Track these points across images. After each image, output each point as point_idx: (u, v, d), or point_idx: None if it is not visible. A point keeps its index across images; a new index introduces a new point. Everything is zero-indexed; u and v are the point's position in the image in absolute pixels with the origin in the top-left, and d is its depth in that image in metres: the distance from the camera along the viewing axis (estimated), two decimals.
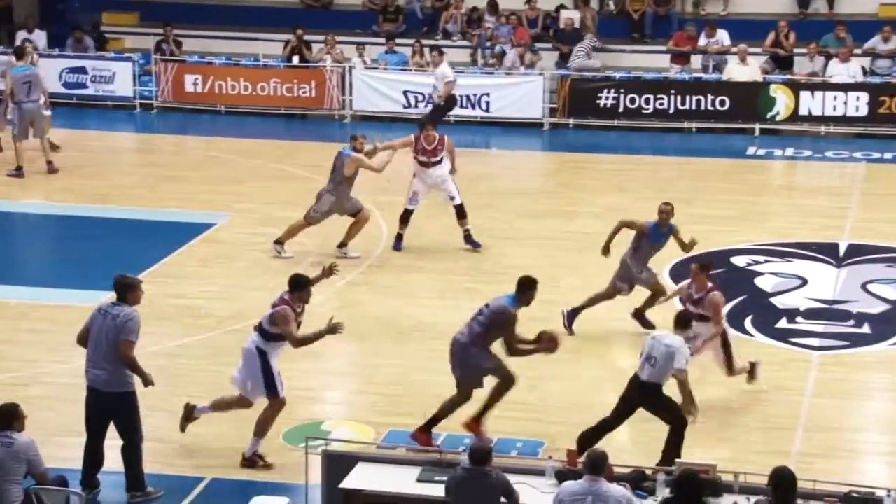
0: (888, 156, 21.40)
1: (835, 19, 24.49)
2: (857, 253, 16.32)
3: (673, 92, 23.15)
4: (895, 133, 22.32)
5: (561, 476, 9.25)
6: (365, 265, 15.95)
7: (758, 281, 15.43)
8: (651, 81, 23.49)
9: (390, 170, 16.39)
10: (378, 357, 13.17)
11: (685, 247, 13.90)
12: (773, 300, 14.83)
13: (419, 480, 9.46)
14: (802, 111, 22.72)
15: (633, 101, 23.24)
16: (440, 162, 16.42)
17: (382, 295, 15.02)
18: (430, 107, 22.27)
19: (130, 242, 16.88)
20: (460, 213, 16.50)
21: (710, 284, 12.07)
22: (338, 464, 9.70)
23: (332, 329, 10.79)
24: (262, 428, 10.86)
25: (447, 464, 9.50)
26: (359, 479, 9.54)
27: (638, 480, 9.26)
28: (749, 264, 16.05)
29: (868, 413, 12.38)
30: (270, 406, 10.84)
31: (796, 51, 23.79)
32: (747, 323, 14.12)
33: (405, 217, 16.53)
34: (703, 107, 23.02)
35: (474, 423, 11.03)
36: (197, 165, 21.08)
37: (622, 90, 23.26)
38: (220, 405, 11.13)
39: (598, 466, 8.49)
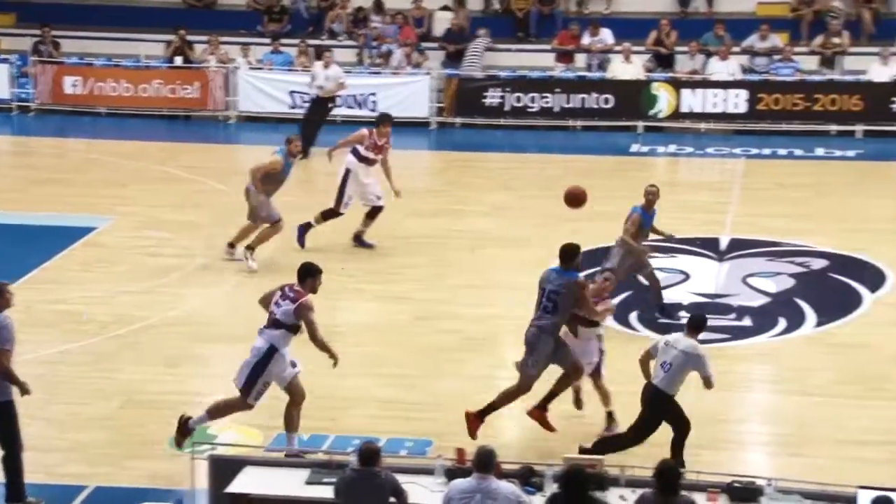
0: (766, 151, 21.83)
1: (714, 18, 24.91)
2: (738, 247, 16.62)
3: (558, 90, 23.37)
4: (773, 129, 22.79)
5: (450, 474, 9.26)
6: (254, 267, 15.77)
7: (641, 276, 15.57)
8: (536, 80, 23.68)
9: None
10: None
11: (660, 232, 14.25)
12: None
13: (308, 483, 9.40)
14: (684, 108, 23.08)
15: (518, 99, 23.41)
16: (376, 163, 16.30)
17: None
18: (308, 105, 22.16)
19: (8, 248, 16.46)
20: (374, 214, 16.39)
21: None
22: (224, 468, 9.59)
23: (335, 356, 10.68)
24: (217, 410, 10.69)
25: (336, 465, 9.44)
26: (246, 482, 9.44)
27: (527, 476, 9.31)
28: None
29: (750, 404, 12.61)
30: (238, 401, 10.63)
31: (677, 49, 24.17)
32: (632, 318, 14.28)
33: (330, 216, 16.28)
34: (587, 105, 23.28)
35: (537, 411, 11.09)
36: (78, 168, 20.68)
37: (508, 89, 23.42)
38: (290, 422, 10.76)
39: (487, 464, 8.50)
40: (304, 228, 16.31)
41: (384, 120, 16.43)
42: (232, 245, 15.95)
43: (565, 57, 24.56)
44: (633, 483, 9.12)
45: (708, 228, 17.41)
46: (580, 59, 24.59)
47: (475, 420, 10.99)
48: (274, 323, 10.63)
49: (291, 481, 9.42)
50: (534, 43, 25.36)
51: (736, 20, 24.74)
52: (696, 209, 18.50)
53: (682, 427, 10.47)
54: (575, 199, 12.31)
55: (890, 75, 22.77)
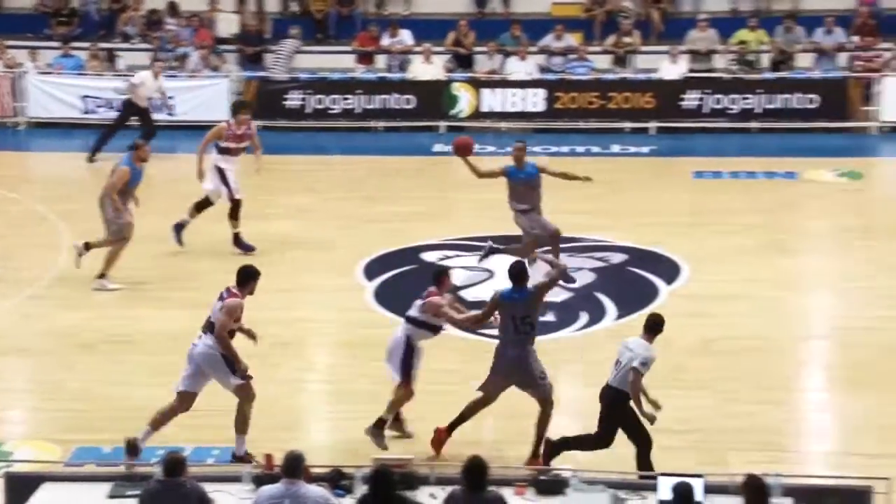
0: (565, 149, 22.23)
1: (511, 18, 25.29)
2: (540, 244, 16.84)
3: (359, 92, 23.38)
4: (570, 127, 23.25)
5: (258, 481, 9.15)
6: (49, 277, 15.26)
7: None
8: (337, 82, 23.63)
9: None
10: (62, 372, 12.63)
11: (569, 176, 14.85)
12: (464, 293, 15.13)
13: (111, 496, 9.16)
14: (484, 108, 23.37)
15: (320, 101, 23.33)
16: (243, 151, 16.17)
17: (66, 308, 14.43)
18: (121, 110, 21.64)
19: None
20: (203, 208, 16.30)
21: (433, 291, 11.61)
22: (21, 485, 9.25)
23: (245, 369, 10.65)
24: (242, 424, 10.63)
25: (140, 477, 9.22)
26: (44, 499, 9.12)
27: (336, 479, 9.26)
28: (440, 259, 16.34)
29: (554, 398, 12.76)
30: (240, 398, 10.61)
31: (476, 49, 24.45)
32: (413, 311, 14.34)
33: (236, 210, 16.22)
34: (389, 106, 23.36)
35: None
36: None
37: (309, 91, 23.32)
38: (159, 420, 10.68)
39: (295, 468, 8.44)
40: (237, 240, 16.29)
41: (240, 108, 16.51)
42: (90, 246, 15.18)
43: (366, 58, 24.58)
44: (442, 481, 9.15)
45: (511, 226, 17.60)
46: (381, 61, 24.64)
47: (544, 453, 10.73)
48: (210, 327, 10.66)
49: (93, 496, 9.15)
50: (333, 44, 25.30)
51: (532, 20, 25.18)
52: (499, 207, 18.67)
53: (640, 439, 10.32)
54: (464, 147, 13.40)
55: (679, 73, 23.52)
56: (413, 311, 11.16)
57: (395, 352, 11.06)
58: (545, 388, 10.88)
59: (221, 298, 10.64)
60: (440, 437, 10.87)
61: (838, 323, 14.45)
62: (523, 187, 14.69)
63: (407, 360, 11.00)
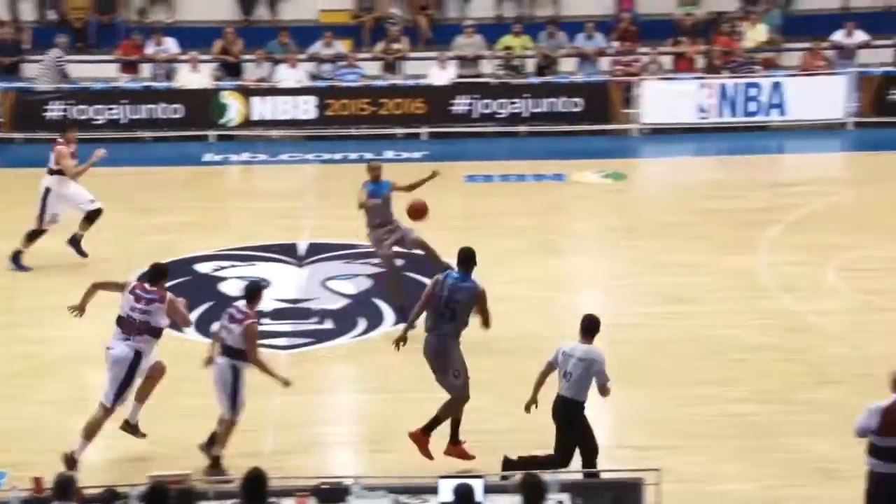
0: (337, 156, 22.24)
1: (278, 25, 25.11)
2: (317, 251, 16.84)
3: (124, 101, 22.82)
4: (342, 134, 23.26)
5: None
6: None
7: (222, 286, 15.50)
8: (100, 92, 23.01)
9: None
10: None
11: (417, 184, 14.67)
12: (240, 304, 14.93)
13: None
14: (254, 116, 23.13)
15: (83, 112, 22.65)
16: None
17: None
18: None
19: None
20: (94, 217, 16.15)
21: (248, 311, 11.20)
22: None
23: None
24: (91, 432, 10.76)
25: None
26: None
27: (110, 499, 9.04)
28: (214, 270, 16.12)
29: (335, 405, 12.78)
30: (104, 415, 10.83)
31: (244, 57, 24.19)
32: (214, 329, 14.08)
33: (34, 237, 15.91)
34: (156, 115, 22.88)
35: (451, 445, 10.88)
36: None
37: (71, 101, 22.63)
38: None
39: (66, 490, 8.31)
40: (16, 257, 15.97)
41: (70, 126, 16.30)
42: None
43: (130, 67, 24.00)
44: (221, 495, 9.01)
45: (287, 235, 17.52)
46: (146, 69, 24.11)
47: (422, 437, 10.72)
48: (150, 331, 10.85)
49: None
50: (95, 53, 24.61)
51: (299, 27, 25.06)
52: (274, 216, 18.60)
53: (583, 444, 10.33)
54: (420, 211, 13.42)
55: (448, 79, 23.82)
56: (232, 341, 10.88)
57: (222, 385, 10.84)
58: (452, 383, 10.93)
59: (150, 301, 10.81)
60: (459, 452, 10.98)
61: (607, 320, 14.64)
62: (381, 203, 14.51)
63: (235, 392, 10.83)
